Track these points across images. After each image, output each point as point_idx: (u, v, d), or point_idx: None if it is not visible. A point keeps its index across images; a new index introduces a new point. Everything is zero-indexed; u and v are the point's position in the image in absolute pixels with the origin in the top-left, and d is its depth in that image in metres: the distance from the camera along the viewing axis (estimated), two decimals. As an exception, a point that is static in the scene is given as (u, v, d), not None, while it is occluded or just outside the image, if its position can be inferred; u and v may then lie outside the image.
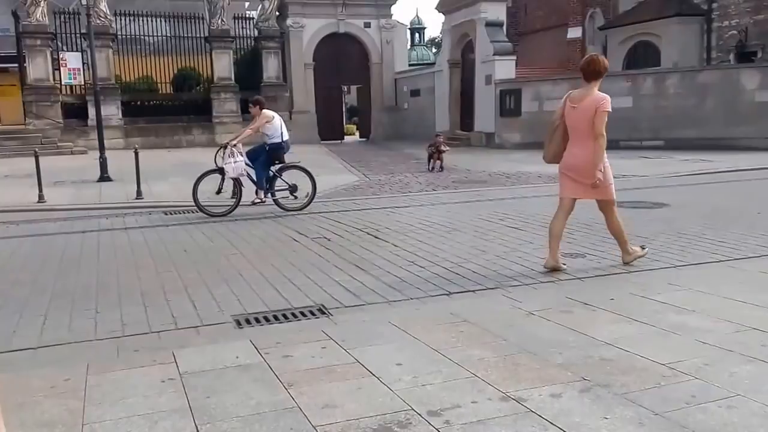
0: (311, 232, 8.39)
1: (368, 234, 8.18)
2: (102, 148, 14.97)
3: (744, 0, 22.42)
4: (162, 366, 3.87)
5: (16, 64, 26.39)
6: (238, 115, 26.30)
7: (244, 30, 28.50)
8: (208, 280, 6.08)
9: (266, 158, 10.27)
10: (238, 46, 27.82)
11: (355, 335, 4.33)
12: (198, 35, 26.84)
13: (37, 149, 13.56)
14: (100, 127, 15.61)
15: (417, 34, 43.75)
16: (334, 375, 3.66)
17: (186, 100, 26.56)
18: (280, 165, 10.38)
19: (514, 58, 23.95)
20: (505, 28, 24.26)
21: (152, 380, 3.66)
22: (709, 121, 19.16)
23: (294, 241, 7.90)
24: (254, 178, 10.31)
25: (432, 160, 16.44)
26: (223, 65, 26.39)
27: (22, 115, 24.99)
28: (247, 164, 10.07)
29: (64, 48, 24.76)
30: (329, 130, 29.02)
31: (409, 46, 37.73)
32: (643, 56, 24.76)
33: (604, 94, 5.70)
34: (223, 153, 9.87)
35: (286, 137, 10.44)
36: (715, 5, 23.31)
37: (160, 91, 26.76)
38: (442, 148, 16.35)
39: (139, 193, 11.97)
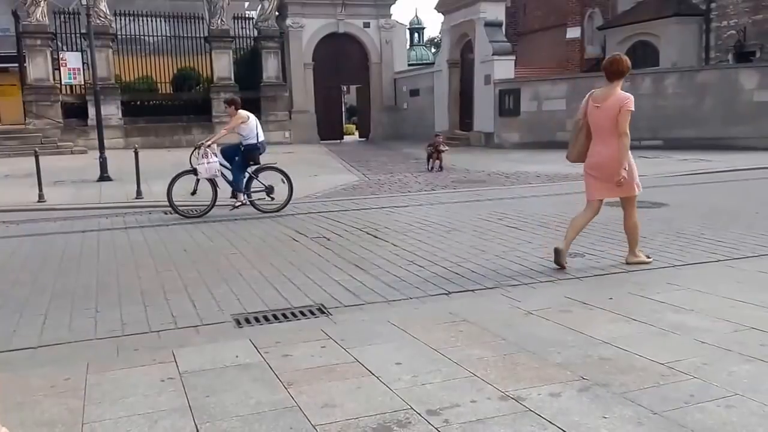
0: (311, 232, 8.40)
1: (368, 234, 8.19)
2: (102, 148, 14.98)
3: (742, 0, 22.45)
4: (162, 365, 3.88)
5: (16, 64, 26.41)
6: (237, 115, 26.32)
7: (244, 30, 28.52)
8: (207, 279, 6.09)
9: (242, 159, 10.11)
10: (237, 46, 27.84)
11: (355, 335, 4.34)
12: (198, 35, 26.87)
13: (37, 149, 13.56)
14: (100, 126, 15.61)
15: (416, 34, 43.81)
16: (333, 374, 3.67)
17: (186, 99, 26.57)
18: (256, 166, 10.25)
19: (513, 58, 23.98)
20: (504, 28, 24.27)
21: (152, 379, 3.67)
22: (708, 120, 19.17)
23: (293, 241, 7.90)
24: (230, 178, 10.15)
25: (431, 160, 16.45)
26: (222, 65, 26.41)
27: (22, 115, 25.01)
28: (222, 164, 9.98)
29: (64, 48, 24.78)
30: (329, 129, 29.05)
31: (408, 46, 37.76)
32: (641, 56, 24.74)
33: (627, 94, 5.77)
34: (198, 154, 9.79)
35: (261, 138, 10.23)
36: (713, 5, 23.34)
37: (160, 91, 26.77)
38: (441, 148, 16.36)
39: (138, 193, 11.98)
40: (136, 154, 12.11)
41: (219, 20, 26.01)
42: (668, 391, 3.30)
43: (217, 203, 10.04)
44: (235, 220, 9.59)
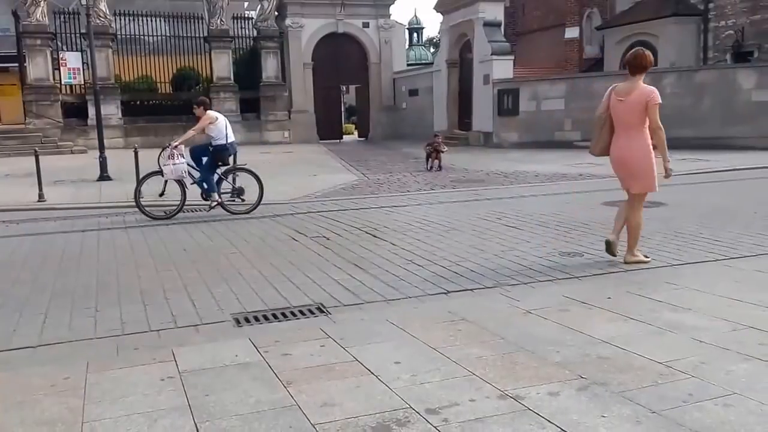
0: (310, 231, 8.41)
1: (367, 233, 8.20)
2: (102, 148, 14.98)
3: (740, 0, 22.47)
4: (161, 364, 3.89)
5: (17, 64, 26.42)
6: (237, 115, 26.32)
7: (243, 30, 28.53)
8: (207, 278, 6.10)
9: (210, 160, 9.97)
10: (237, 46, 27.85)
11: (354, 334, 4.35)
12: (197, 35, 26.88)
13: (37, 148, 13.57)
14: (99, 126, 15.61)
15: (415, 34, 43.82)
16: (332, 373, 3.68)
17: (185, 99, 26.42)
18: (225, 167, 10.15)
19: (512, 57, 23.98)
20: (502, 28, 24.27)
21: (152, 378, 3.68)
22: (706, 120, 19.18)
23: (293, 240, 7.91)
24: (197, 180, 9.98)
25: (430, 160, 16.45)
26: (222, 65, 26.42)
27: (22, 115, 25.01)
28: (190, 165, 9.90)
29: (64, 48, 24.78)
30: (328, 129, 29.06)
31: (407, 46, 37.75)
32: (640, 56, 24.77)
33: (651, 87, 5.83)
34: (164, 155, 9.71)
35: (231, 139, 10.06)
36: (711, 5, 23.35)
37: (160, 91, 26.77)
38: (440, 148, 16.37)
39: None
40: (136, 153, 12.12)
41: (218, 20, 26.03)
42: (666, 390, 3.32)
43: (187, 204, 9.97)
44: (235, 219, 9.60)
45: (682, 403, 3.17)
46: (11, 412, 3.30)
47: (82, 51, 23.95)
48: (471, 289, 5.53)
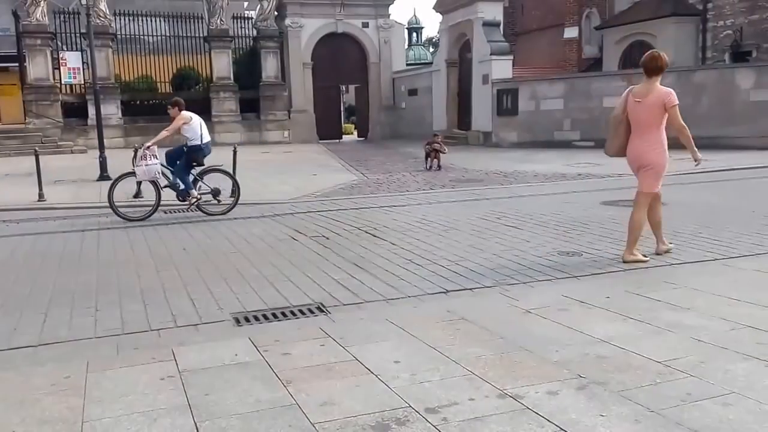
0: (310, 231, 8.41)
1: (366, 233, 8.21)
2: (102, 147, 14.98)
3: (739, 0, 22.49)
4: (161, 364, 3.90)
5: (17, 64, 26.37)
6: (237, 115, 26.36)
7: (243, 30, 28.50)
8: (207, 278, 6.11)
9: (185, 160, 9.91)
10: (236, 46, 27.82)
11: (354, 333, 4.36)
12: (197, 35, 26.87)
13: (37, 148, 13.57)
14: (99, 126, 15.61)
15: (414, 34, 43.79)
16: (332, 372, 3.69)
17: (185, 99, 26.15)
18: (201, 168, 10.08)
19: (511, 57, 23.99)
20: (501, 28, 24.31)
21: (152, 378, 3.69)
22: (705, 120, 19.14)
23: (293, 240, 7.92)
24: (172, 181, 9.92)
25: (429, 159, 16.46)
26: (222, 65, 26.40)
27: (22, 115, 25.00)
28: (164, 166, 9.87)
29: (64, 47, 24.76)
30: (327, 129, 29.05)
31: (406, 46, 37.72)
32: (638, 56, 24.59)
33: (668, 89, 5.96)
34: (137, 156, 9.64)
35: (206, 139, 9.96)
36: (710, 5, 23.38)
37: (160, 91, 26.72)
38: (440, 149, 16.37)
39: (138, 192, 11.97)
40: (136, 153, 12.10)
41: (218, 20, 26.01)
42: (665, 389, 3.33)
43: (164, 205, 9.94)
44: (235, 219, 9.60)
45: (680, 402, 3.18)
46: (12, 411, 3.31)
47: (82, 51, 23.92)
48: (470, 289, 5.54)
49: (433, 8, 27.23)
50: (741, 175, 13.18)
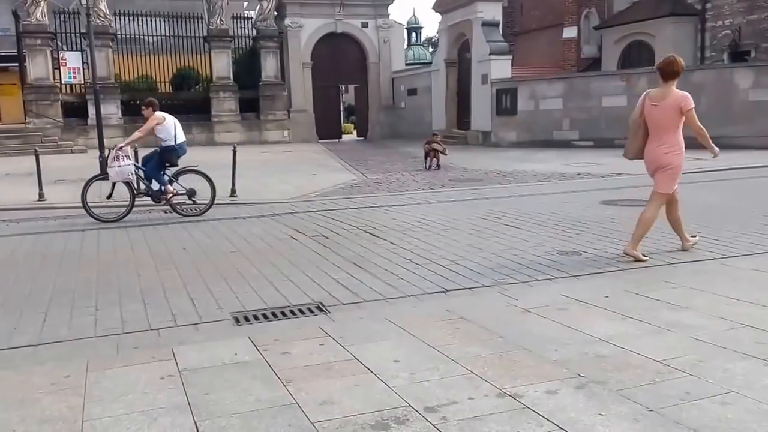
0: (309, 231, 8.42)
1: (366, 232, 8.21)
2: (102, 147, 14.94)
3: (737, 0, 22.50)
4: (161, 363, 3.90)
5: (17, 64, 26.38)
6: (236, 114, 26.38)
7: (243, 30, 28.51)
8: (207, 277, 6.11)
9: (157, 161, 9.85)
10: (236, 46, 27.83)
11: (353, 332, 4.37)
12: (197, 35, 26.87)
13: (37, 148, 13.58)
14: (99, 126, 15.61)
15: (414, 34, 43.83)
16: (332, 372, 3.70)
17: (185, 99, 26.54)
18: (176, 169, 9.99)
19: (510, 57, 24.01)
20: (501, 27, 24.35)
21: (151, 377, 3.69)
22: (703, 120, 18.87)
23: (292, 240, 7.93)
24: (145, 186, 9.87)
25: (428, 159, 16.47)
26: (221, 65, 26.41)
27: (22, 114, 25.00)
28: (138, 167, 9.83)
29: (64, 47, 24.77)
30: (327, 129, 29.06)
31: (406, 46, 37.76)
32: (637, 56, 24.84)
33: (684, 93, 6.10)
34: (110, 156, 9.60)
35: (180, 140, 9.82)
36: (708, 5, 23.40)
37: (160, 91, 26.66)
38: (440, 149, 16.37)
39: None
40: (136, 153, 12.08)
41: (218, 20, 26.02)
42: (664, 389, 3.33)
43: (139, 206, 9.90)
44: (234, 219, 9.61)
45: (679, 401, 3.19)
46: (12, 411, 3.32)
47: (82, 51, 23.93)
48: (470, 288, 5.55)
49: (433, 8, 27.25)
50: (740, 174, 13.18)
